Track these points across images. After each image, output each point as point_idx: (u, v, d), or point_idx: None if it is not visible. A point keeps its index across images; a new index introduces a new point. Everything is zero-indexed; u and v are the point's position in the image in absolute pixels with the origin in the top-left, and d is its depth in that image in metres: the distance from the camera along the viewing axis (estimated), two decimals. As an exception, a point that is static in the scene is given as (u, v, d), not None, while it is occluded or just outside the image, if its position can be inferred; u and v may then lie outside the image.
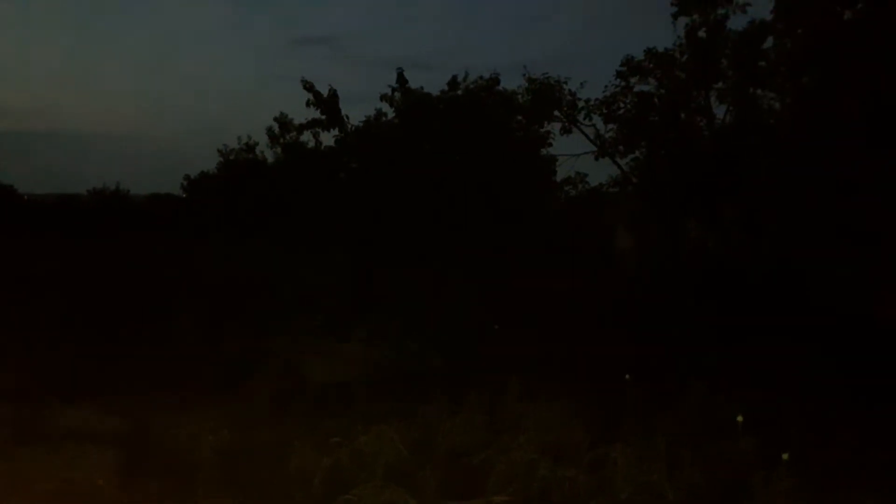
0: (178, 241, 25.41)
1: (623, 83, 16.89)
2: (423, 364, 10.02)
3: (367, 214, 18.53)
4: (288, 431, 7.02)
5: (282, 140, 23.67)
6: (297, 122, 22.26)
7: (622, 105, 16.98)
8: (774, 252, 11.59)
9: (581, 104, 17.63)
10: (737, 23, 15.54)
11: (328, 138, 20.69)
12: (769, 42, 14.34)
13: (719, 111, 15.93)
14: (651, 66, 16.53)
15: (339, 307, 13.60)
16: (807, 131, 10.40)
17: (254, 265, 18.47)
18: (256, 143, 26.92)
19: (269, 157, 25.86)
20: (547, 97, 17.86)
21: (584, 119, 17.74)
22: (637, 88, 16.79)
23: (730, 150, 14.34)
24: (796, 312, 9.58)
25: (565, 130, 18.09)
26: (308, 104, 19.54)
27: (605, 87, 17.08)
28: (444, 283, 15.11)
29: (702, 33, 15.62)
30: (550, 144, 18.95)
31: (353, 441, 6.32)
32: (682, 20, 15.78)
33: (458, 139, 18.26)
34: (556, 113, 18.03)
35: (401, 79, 19.40)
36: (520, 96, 18.57)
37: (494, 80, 19.36)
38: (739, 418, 5.92)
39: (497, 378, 8.02)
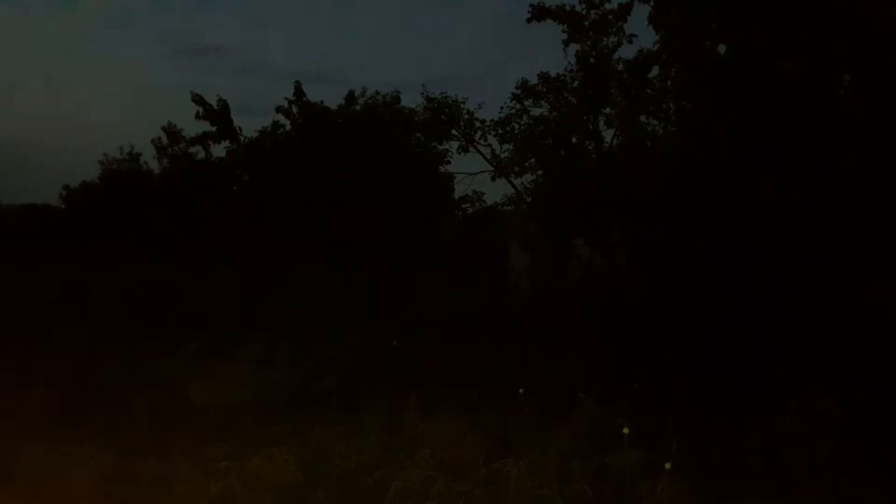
0: (55, 255, 23.76)
1: (518, 105, 17.39)
2: (317, 384, 9.83)
3: (260, 229, 18.04)
4: (174, 456, 6.69)
5: (169, 151, 22.73)
6: (186, 132, 21.46)
7: (517, 126, 17.48)
8: (653, 271, 12.22)
9: (478, 124, 18.01)
10: (626, 52, 16.40)
11: (220, 150, 20.06)
12: (655, 71, 15.22)
13: (609, 135, 16.72)
14: (544, 90, 17.11)
15: (229, 326, 13.14)
16: (685, 156, 11.10)
17: (138, 282, 17.55)
18: (140, 154, 25.74)
19: (155, 168, 24.78)
20: (445, 116, 18.13)
21: (481, 139, 18.12)
22: (532, 111, 17.34)
23: (616, 174, 15.01)
24: (677, 330, 10.07)
25: (463, 149, 18.40)
26: (197, 116, 18.89)
27: (501, 108, 17.56)
28: (340, 300, 14.91)
29: (592, 60, 16.31)
30: (448, 162, 19.22)
31: (243, 465, 6.10)
32: (574, 47, 16.45)
33: (357, 154, 18.18)
34: (454, 132, 18.32)
35: (298, 91, 19.14)
36: (418, 115, 18.75)
37: (395, 97, 19.46)
38: (625, 430, 6.15)
39: (393, 396, 7.98)
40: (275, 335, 12.03)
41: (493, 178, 18.09)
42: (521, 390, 7.69)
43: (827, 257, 8.66)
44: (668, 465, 5.73)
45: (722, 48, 9.91)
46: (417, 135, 19.25)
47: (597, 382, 8.96)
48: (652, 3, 9.71)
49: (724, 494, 6.08)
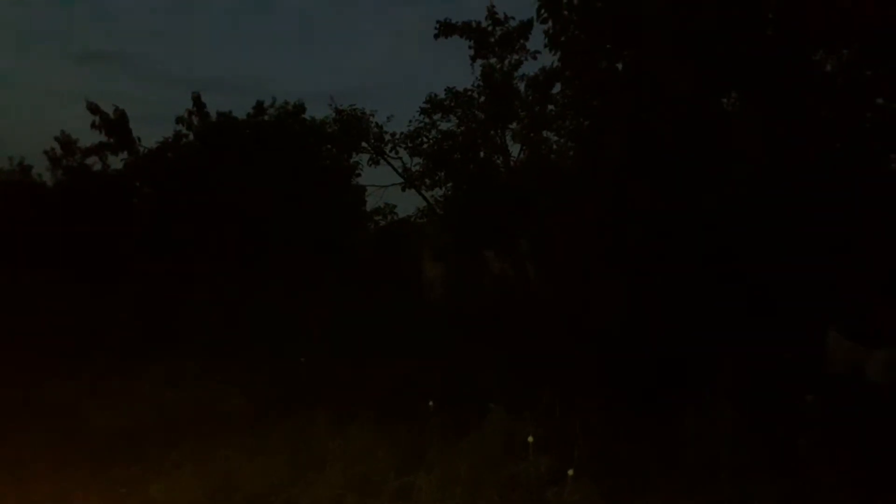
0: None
1: (427, 119, 17.59)
2: (222, 403, 9.53)
3: (163, 242, 17.43)
4: (68, 481, 6.34)
5: (64, 162, 21.63)
6: (82, 143, 20.51)
7: (426, 140, 17.66)
8: (559, 281, 12.60)
9: (388, 137, 18.09)
10: (530, 68, 16.87)
11: (117, 161, 19.30)
12: (557, 87, 15.73)
13: (516, 150, 17.14)
14: (452, 104, 17.38)
15: (130, 344, 12.57)
16: (582, 170, 11.55)
17: (31, 299, 16.56)
18: (31, 166, 24.34)
19: (49, 180, 23.49)
20: (354, 128, 18.12)
21: (391, 151, 18.21)
22: (440, 125, 17.56)
23: (522, 188, 15.40)
24: (581, 336, 10.41)
25: (373, 161, 18.47)
26: (93, 126, 18.15)
27: (410, 121, 17.71)
28: (247, 316, 14.55)
29: (497, 76, 16.70)
30: (359, 175, 19.21)
31: (143, 490, 5.85)
32: (481, 62, 16.79)
33: (265, 164, 17.89)
34: (364, 144, 18.34)
35: (197, 102, 18.71)
36: (328, 126, 18.67)
37: (300, 107, 19.29)
38: (530, 439, 6.30)
39: (302, 413, 7.86)
40: (178, 353, 11.59)
41: (403, 190, 18.23)
42: (430, 403, 7.72)
43: (718, 265, 9.18)
44: (570, 472, 5.90)
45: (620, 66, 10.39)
46: (328, 146, 19.16)
47: (507, 391, 9.11)
48: (549, 24, 10.02)
49: (629, 495, 6.30)
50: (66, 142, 21.33)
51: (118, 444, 7.60)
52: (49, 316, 14.84)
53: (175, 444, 7.49)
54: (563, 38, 10.03)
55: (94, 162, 20.16)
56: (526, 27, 15.92)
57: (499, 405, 8.03)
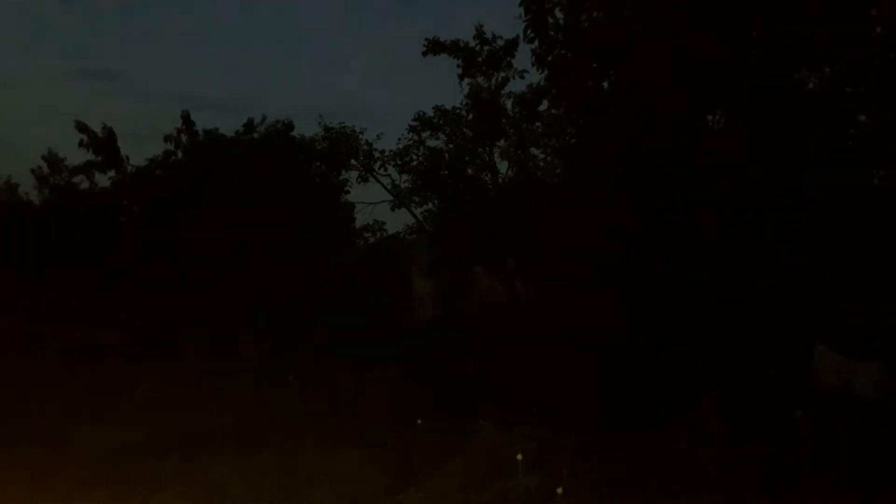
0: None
1: (415, 137, 17.64)
2: (211, 420, 9.46)
3: (153, 261, 17.33)
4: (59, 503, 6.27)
5: (51, 181, 21.46)
6: (69, 161, 20.37)
7: (415, 157, 17.71)
8: (548, 298, 12.62)
9: (377, 154, 18.12)
10: (517, 86, 16.99)
11: (105, 179, 19.22)
12: (544, 105, 15.83)
13: (504, 166, 17.21)
14: (440, 122, 17.44)
15: (120, 364, 12.48)
16: (569, 186, 11.62)
17: (19, 319, 16.40)
18: (18, 184, 24.11)
19: (36, 199, 23.28)
20: (344, 146, 18.15)
21: (380, 169, 18.24)
22: (429, 142, 17.62)
23: (510, 204, 15.45)
24: (571, 352, 10.40)
25: (362, 179, 18.48)
26: (81, 144, 18.09)
27: (399, 139, 17.76)
28: (238, 332, 14.49)
29: (485, 95, 16.80)
30: (348, 192, 19.21)
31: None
32: (468, 81, 16.89)
33: (256, 182, 17.86)
34: (354, 162, 18.36)
35: (187, 120, 18.68)
36: (318, 143, 18.68)
37: (289, 125, 19.29)
38: (519, 457, 6.29)
39: (291, 431, 7.82)
40: (167, 370, 11.52)
41: (392, 209, 18.24)
42: (419, 421, 7.70)
43: (705, 280, 9.22)
44: (559, 490, 5.89)
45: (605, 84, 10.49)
46: (318, 164, 19.17)
47: (497, 407, 9.10)
48: (536, 43, 10.12)
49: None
50: (53, 160, 21.19)
51: (104, 466, 7.53)
52: (35, 335, 14.71)
53: (162, 462, 7.43)
54: (549, 58, 10.13)
55: (81, 180, 20.06)
56: (512, 46, 16.07)
57: (489, 422, 8.03)
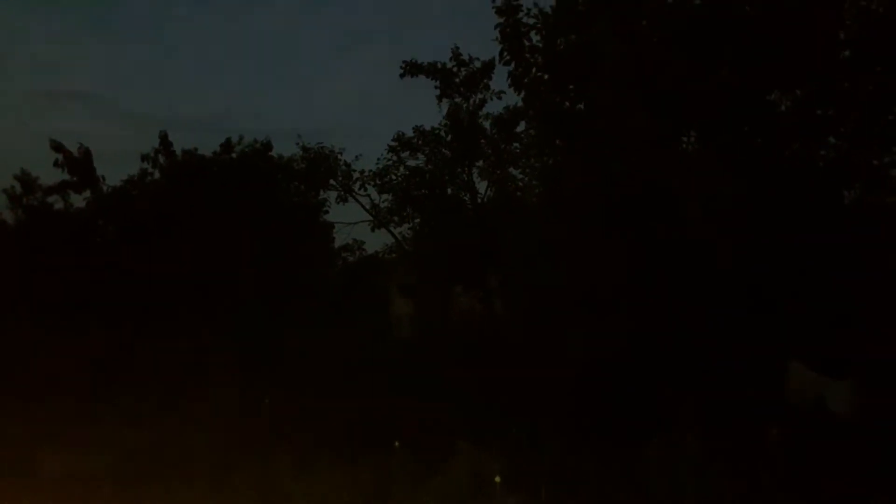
0: None
1: (395, 157, 17.73)
2: (184, 444, 9.30)
3: (128, 282, 17.11)
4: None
5: (24, 201, 21.15)
6: (43, 182, 20.09)
7: (394, 177, 17.77)
8: (526, 317, 12.64)
9: (356, 175, 18.17)
10: (494, 107, 17.16)
11: (80, 200, 18.99)
12: (522, 126, 16.00)
13: (483, 187, 17.32)
14: (419, 142, 17.54)
15: (90, 387, 12.25)
16: (545, 207, 11.70)
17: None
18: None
19: (9, 219, 22.94)
20: (322, 166, 18.17)
21: (360, 189, 18.27)
22: (408, 162, 17.70)
23: (489, 224, 15.53)
24: (548, 368, 10.41)
25: (341, 199, 18.54)
26: (56, 164, 17.91)
27: (378, 159, 17.84)
28: (212, 354, 14.30)
29: (463, 116, 16.94)
30: (327, 212, 19.19)
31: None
32: (447, 102, 17.02)
33: (233, 202, 17.77)
34: (332, 182, 18.38)
35: (164, 141, 18.59)
36: (296, 163, 18.68)
37: (267, 145, 19.27)
38: (497, 479, 6.26)
39: (266, 453, 7.71)
40: (140, 392, 11.32)
41: (372, 230, 18.28)
42: (396, 443, 7.63)
43: (679, 298, 9.29)
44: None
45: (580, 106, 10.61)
46: (296, 183, 19.14)
47: (475, 426, 9.06)
48: (512, 65, 10.22)
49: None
50: (26, 180, 20.94)
51: (71, 493, 7.35)
52: (2, 358, 14.39)
53: (135, 486, 7.28)
54: (525, 80, 10.22)
55: (55, 200, 19.82)
56: (489, 67, 16.25)
57: (466, 442, 7.98)
